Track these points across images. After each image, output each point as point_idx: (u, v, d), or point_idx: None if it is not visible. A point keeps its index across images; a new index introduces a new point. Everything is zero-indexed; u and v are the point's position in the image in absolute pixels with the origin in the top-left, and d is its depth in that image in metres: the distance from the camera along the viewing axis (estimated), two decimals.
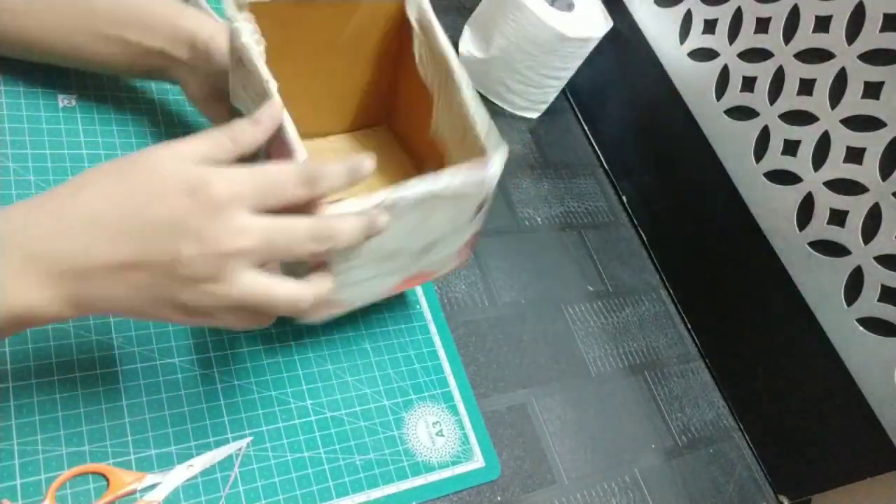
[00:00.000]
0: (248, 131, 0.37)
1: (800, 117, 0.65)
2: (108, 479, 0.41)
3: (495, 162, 0.43)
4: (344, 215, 0.36)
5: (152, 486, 0.43)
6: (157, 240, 0.33)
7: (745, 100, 0.70)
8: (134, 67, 0.50)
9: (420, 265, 0.47)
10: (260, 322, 0.37)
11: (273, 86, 0.40)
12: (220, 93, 0.48)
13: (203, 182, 0.33)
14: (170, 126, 0.57)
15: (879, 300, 0.60)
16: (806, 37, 0.64)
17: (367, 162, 0.37)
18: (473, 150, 0.46)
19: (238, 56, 0.41)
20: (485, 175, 0.43)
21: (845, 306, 0.63)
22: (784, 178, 0.67)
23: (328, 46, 0.50)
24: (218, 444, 0.45)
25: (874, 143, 0.60)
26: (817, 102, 0.64)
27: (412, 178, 0.39)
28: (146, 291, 0.34)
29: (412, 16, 0.48)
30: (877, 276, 0.60)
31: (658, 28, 0.79)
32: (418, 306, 0.59)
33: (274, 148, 0.40)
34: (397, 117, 0.59)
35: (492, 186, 0.44)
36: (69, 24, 0.47)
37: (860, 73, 0.60)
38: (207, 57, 0.47)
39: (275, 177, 0.35)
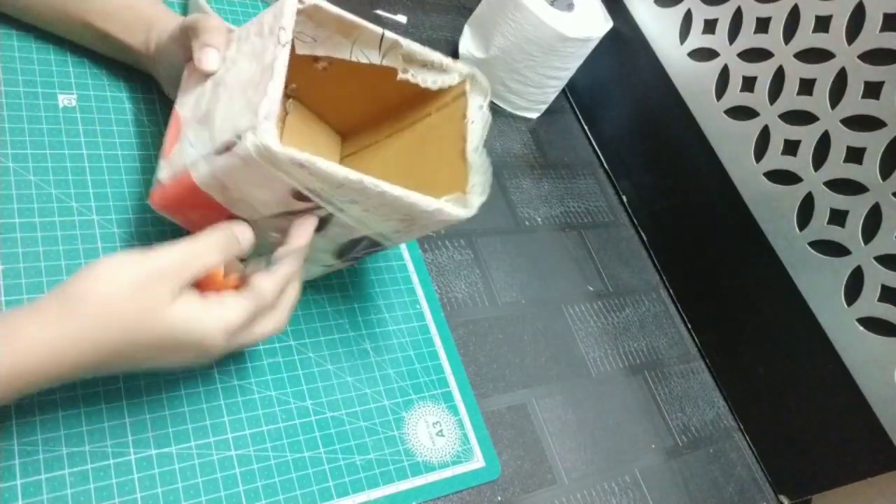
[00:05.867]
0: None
1: (800, 117, 0.65)
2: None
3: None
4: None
5: None
6: (158, 362, 0.38)
7: (745, 100, 0.70)
8: (110, 53, 0.55)
9: None
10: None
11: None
12: None
13: (203, 342, 0.37)
14: None
15: (879, 300, 0.60)
16: (806, 37, 0.64)
17: (239, 229, 0.41)
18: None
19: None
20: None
21: (845, 306, 0.63)
22: (784, 178, 0.67)
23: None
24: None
25: (874, 143, 0.60)
26: (817, 102, 0.64)
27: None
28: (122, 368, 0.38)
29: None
30: (877, 276, 0.60)
31: (658, 28, 0.79)
32: (418, 306, 0.59)
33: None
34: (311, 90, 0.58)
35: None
36: (60, 7, 0.51)
37: (860, 73, 0.60)
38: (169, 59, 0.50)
39: (262, 297, 0.40)
